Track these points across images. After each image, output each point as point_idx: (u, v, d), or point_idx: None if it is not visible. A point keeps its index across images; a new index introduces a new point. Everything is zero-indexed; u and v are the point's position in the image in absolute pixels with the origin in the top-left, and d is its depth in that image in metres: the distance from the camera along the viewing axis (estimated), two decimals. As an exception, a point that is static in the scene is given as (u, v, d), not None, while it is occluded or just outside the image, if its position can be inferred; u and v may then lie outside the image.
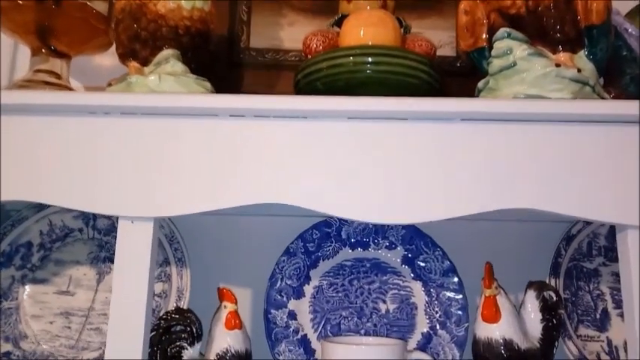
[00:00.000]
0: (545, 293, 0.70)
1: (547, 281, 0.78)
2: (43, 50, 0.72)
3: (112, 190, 0.58)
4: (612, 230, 0.80)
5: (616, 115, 0.57)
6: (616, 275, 0.80)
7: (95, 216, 0.82)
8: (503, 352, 0.65)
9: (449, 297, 0.79)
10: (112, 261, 0.58)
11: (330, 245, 0.82)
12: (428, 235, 0.82)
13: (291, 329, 0.79)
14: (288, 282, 0.80)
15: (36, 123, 0.60)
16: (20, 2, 0.69)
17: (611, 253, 0.81)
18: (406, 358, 0.69)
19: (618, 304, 0.79)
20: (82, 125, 0.59)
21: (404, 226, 0.82)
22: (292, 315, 0.79)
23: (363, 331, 0.80)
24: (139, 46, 0.68)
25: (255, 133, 0.58)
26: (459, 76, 0.86)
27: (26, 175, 0.58)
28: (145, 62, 0.68)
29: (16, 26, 0.72)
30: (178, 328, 0.67)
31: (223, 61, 0.88)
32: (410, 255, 0.81)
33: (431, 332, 0.79)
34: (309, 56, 0.71)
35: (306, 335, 0.79)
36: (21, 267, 0.80)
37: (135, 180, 0.58)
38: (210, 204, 0.57)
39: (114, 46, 0.71)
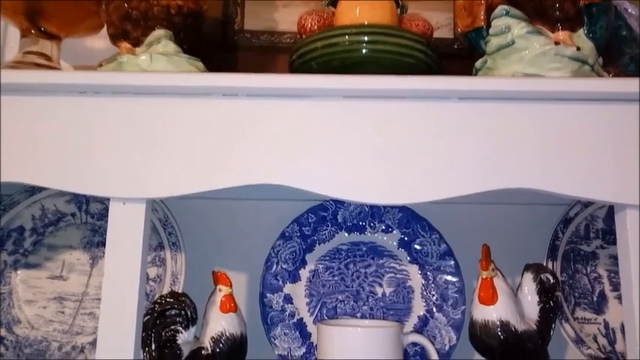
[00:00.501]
0: (542, 276, 0.70)
1: (544, 264, 0.77)
2: (33, 32, 0.71)
3: (102, 171, 0.56)
4: (610, 213, 0.80)
5: (616, 93, 0.56)
6: (613, 258, 0.80)
7: (88, 200, 0.81)
8: (500, 333, 0.65)
9: (446, 280, 0.79)
10: (105, 245, 0.57)
11: (326, 229, 0.81)
12: (424, 219, 0.81)
13: (287, 313, 0.78)
14: (284, 266, 0.80)
15: (24, 103, 0.58)
16: (8, -19, 0.67)
17: (608, 236, 0.81)
18: (402, 340, 0.68)
19: (615, 287, 0.79)
20: (73, 105, 0.58)
21: (400, 210, 0.81)
22: (288, 299, 0.79)
23: (359, 315, 0.79)
24: (130, 26, 0.66)
25: (249, 112, 0.57)
26: (457, 58, 0.85)
27: (15, 156, 0.57)
28: (136, 43, 0.67)
29: (4, 7, 0.70)
30: (173, 311, 0.67)
31: (217, 44, 0.87)
32: (406, 238, 0.81)
33: (427, 315, 0.79)
34: (304, 36, 0.70)
35: (302, 319, 0.79)
36: (13, 252, 0.79)
37: (126, 161, 0.57)
38: (203, 185, 0.56)
39: (105, 28, 0.70)
